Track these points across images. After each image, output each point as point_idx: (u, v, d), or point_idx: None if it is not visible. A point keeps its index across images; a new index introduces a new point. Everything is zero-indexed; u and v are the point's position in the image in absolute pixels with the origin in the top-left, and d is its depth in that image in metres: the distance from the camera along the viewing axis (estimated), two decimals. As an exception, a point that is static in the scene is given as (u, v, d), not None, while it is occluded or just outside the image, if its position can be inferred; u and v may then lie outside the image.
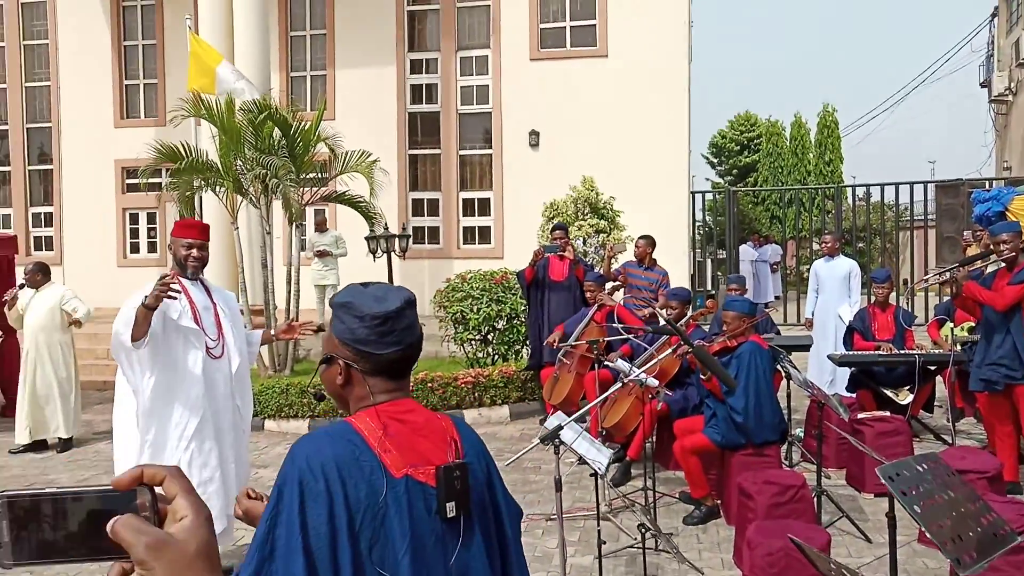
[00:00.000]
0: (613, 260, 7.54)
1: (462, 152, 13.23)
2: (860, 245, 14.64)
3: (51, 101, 14.27)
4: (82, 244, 13.98)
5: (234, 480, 4.03)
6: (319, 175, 9.40)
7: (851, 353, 6.67)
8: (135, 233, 14.13)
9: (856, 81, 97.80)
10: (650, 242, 7.47)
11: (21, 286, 7.21)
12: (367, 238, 9.81)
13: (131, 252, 14.10)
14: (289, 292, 8.79)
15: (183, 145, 8.45)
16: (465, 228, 13.26)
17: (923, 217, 16.12)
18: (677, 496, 5.33)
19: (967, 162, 71.74)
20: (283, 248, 11.69)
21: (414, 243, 11.74)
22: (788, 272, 17.40)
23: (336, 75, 13.32)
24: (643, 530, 3.94)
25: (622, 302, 6.73)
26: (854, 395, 6.75)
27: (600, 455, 3.41)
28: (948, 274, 5.42)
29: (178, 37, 11.94)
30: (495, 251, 12.75)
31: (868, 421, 5.65)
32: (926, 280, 7.04)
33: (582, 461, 4.09)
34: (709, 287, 14.73)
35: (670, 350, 3.51)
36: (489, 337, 8.52)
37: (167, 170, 8.72)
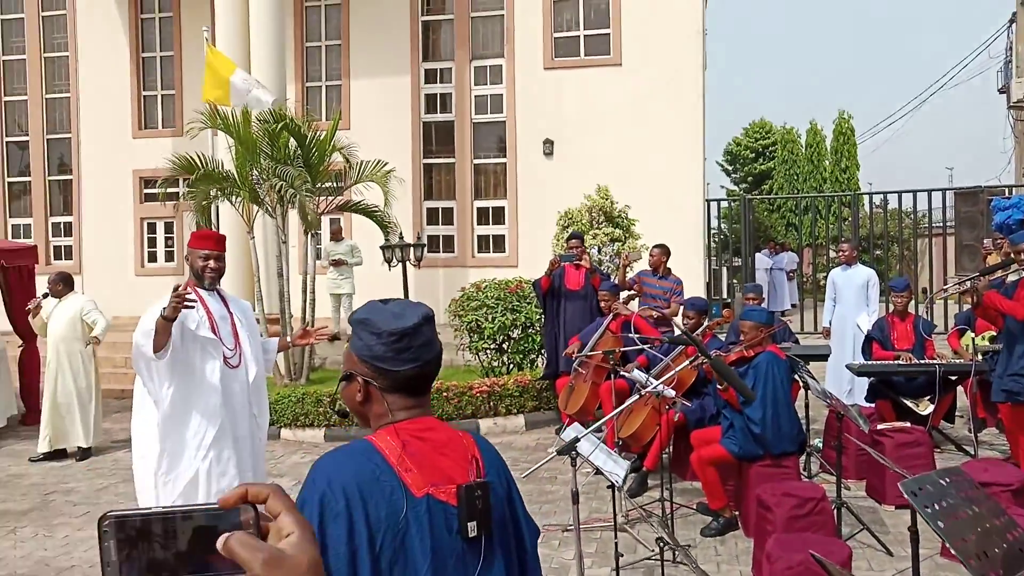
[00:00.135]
0: (628, 269, 7.52)
1: (476, 161, 13.26)
2: (877, 253, 14.53)
3: (71, 112, 14.44)
4: (100, 253, 14.12)
5: (251, 489, 4.04)
6: (334, 184, 9.44)
7: (870, 363, 6.61)
8: (152, 242, 14.25)
9: (872, 88, 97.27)
10: (664, 251, 7.44)
11: (45, 295, 7.30)
12: (382, 247, 9.84)
13: (148, 261, 14.22)
14: (304, 301, 8.83)
15: (199, 156, 8.52)
16: (479, 237, 13.28)
17: (941, 225, 15.98)
18: (694, 507, 5.29)
19: (985, 169, 71.13)
20: (298, 257, 11.75)
21: (428, 252, 11.76)
22: (804, 280, 17.28)
23: (351, 85, 13.40)
24: (661, 544, 3.91)
25: (638, 311, 6.69)
26: (873, 405, 6.68)
27: (617, 467, 3.39)
28: (968, 283, 5.35)
29: (195, 48, 12.05)
30: (509, 259, 12.75)
31: (888, 432, 5.58)
32: (946, 290, 6.97)
33: (598, 472, 4.07)
34: (724, 295, 14.65)
35: (687, 361, 3.48)
36: (504, 346, 8.51)
37: (184, 180, 8.80)
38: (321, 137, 8.62)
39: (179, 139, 12.19)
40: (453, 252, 13.24)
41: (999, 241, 6.97)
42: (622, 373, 5.49)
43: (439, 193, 13.43)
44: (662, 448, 5.40)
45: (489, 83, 13.14)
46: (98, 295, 8.22)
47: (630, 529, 4.84)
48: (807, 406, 6.16)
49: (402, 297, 10.03)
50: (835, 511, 4.46)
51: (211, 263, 3.85)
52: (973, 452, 6.12)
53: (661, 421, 5.34)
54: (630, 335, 5.92)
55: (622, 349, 5.91)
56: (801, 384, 5.55)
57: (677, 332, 5.77)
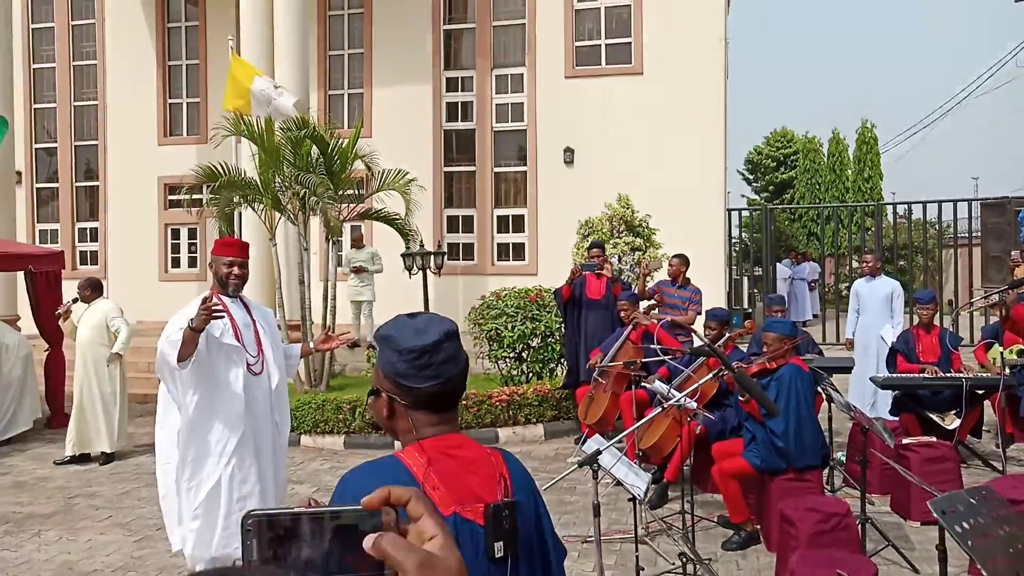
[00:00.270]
0: (649, 278, 7.49)
1: (497, 169, 13.29)
2: (901, 263, 14.35)
3: (98, 119, 14.67)
4: (125, 258, 14.31)
5: (272, 496, 4.06)
6: (356, 192, 9.48)
7: (895, 376, 6.52)
8: (176, 248, 14.41)
9: (895, 97, 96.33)
10: (683, 260, 7.41)
11: (74, 300, 7.41)
12: (403, 255, 9.87)
13: (172, 267, 14.38)
14: (325, 308, 8.87)
15: (223, 164, 8.61)
16: (499, 245, 13.29)
17: (967, 235, 15.76)
18: (715, 520, 5.23)
19: (1012, 179, 70.08)
20: (320, 264, 11.82)
21: (448, 259, 11.79)
22: (827, 290, 17.11)
23: (373, 93, 13.49)
24: (684, 559, 3.87)
25: (660, 323, 6.64)
26: (897, 419, 6.59)
27: (639, 480, 3.36)
28: (996, 296, 5.27)
29: (221, 57, 12.19)
30: (529, 268, 12.75)
31: (914, 447, 5.49)
32: (971, 304, 6.87)
33: (619, 484, 4.05)
34: (745, 305, 14.54)
35: (711, 375, 3.45)
36: (523, 355, 8.50)
37: (208, 187, 8.89)
38: (343, 145, 8.68)
39: (203, 146, 12.34)
40: (473, 260, 13.26)
41: (1028, 253, 6.86)
42: (644, 384, 5.45)
43: (459, 201, 13.47)
44: (683, 460, 5.36)
45: (510, 92, 13.18)
46: (122, 300, 8.33)
47: (650, 542, 4.80)
48: (830, 419, 6.10)
49: (423, 308, 10.07)
50: (859, 527, 4.39)
51: (235, 270, 3.88)
52: (1001, 468, 6.00)
53: (682, 432, 5.30)
54: (651, 346, 5.88)
55: (643, 360, 5.87)
56: (824, 397, 5.49)
57: (698, 343, 5.73)
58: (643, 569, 3.90)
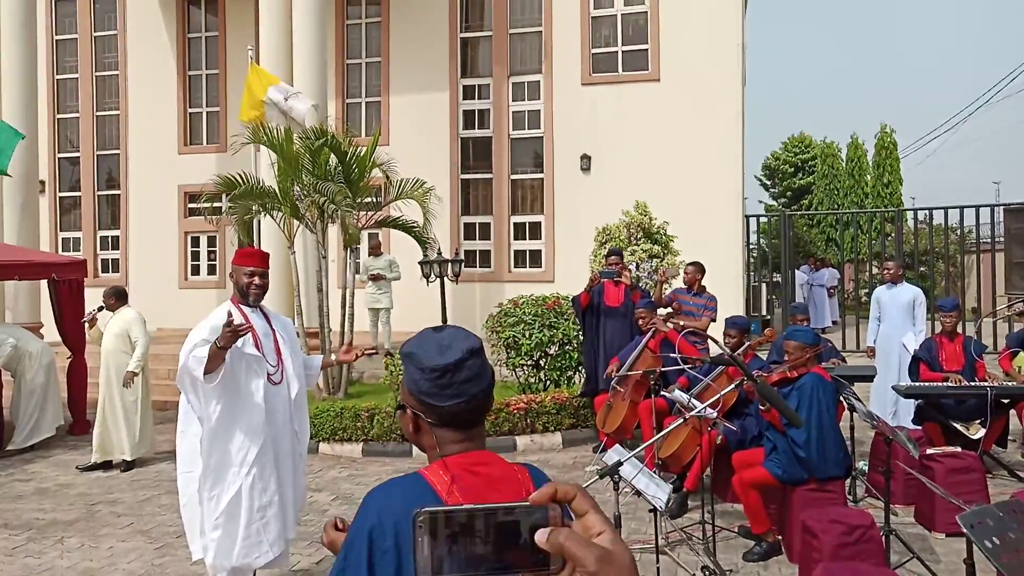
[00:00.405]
0: (666, 285, 7.46)
1: (514, 176, 13.30)
2: (922, 270, 14.19)
3: (120, 129, 14.87)
4: (146, 266, 14.46)
5: (292, 504, 4.07)
6: (374, 200, 9.53)
7: (918, 384, 6.44)
8: (196, 256, 14.55)
9: (915, 101, 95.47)
10: (699, 268, 7.39)
11: (100, 308, 7.51)
12: (421, 263, 9.88)
13: (192, 275, 14.52)
14: (343, 315, 8.91)
15: (242, 173, 8.69)
16: (516, 252, 13.30)
17: (989, 241, 15.56)
18: (736, 531, 5.18)
19: (1034, 183, 69.10)
20: (338, 272, 11.88)
21: (465, 267, 11.80)
22: (846, 296, 16.94)
23: (390, 101, 13.57)
24: (706, 572, 3.83)
25: (680, 332, 6.60)
26: (920, 428, 6.50)
27: (659, 491, 3.34)
28: (1022, 304, 5.20)
29: (240, 66, 12.32)
30: (546, 275, 12.74)
31: (938, 457, 5.41)
32: (994, 313, 6.77)
33: (639, 494, 4.02)
34: (764, 312, 14.43)
35: (732, 386, 3.42)
36: (541, 363, 8.48)
37: (227, 195, 8.97)
38: (361, 153, 8.73)
39: (223, 155, 12.46)
40: (490, 267, 13.27)
41: (1053, 260, 6.77)
42: (663, 393, 5.42)
43: (476, 208, 13.50)
44: (703, 469, 5.31)
45: (527, 99, 13.20)
46: (143, 308, 8.40)
47: (670, 552, 4.76)
48: (852, 428, 6.03)
49: (440, 316, 10.07)
50: (883, 538, 4.33)
51: (256, 280, 3.91)
52: (1027, 478, 5.91)
53: (702, 441, 5.26)
54: (670, 355, 5.85)
55: (661, 369, 5.84)
56: (847, 406, 5.42)
57: (715, 350, 5.69)
58: (664, 581, 3.87)
